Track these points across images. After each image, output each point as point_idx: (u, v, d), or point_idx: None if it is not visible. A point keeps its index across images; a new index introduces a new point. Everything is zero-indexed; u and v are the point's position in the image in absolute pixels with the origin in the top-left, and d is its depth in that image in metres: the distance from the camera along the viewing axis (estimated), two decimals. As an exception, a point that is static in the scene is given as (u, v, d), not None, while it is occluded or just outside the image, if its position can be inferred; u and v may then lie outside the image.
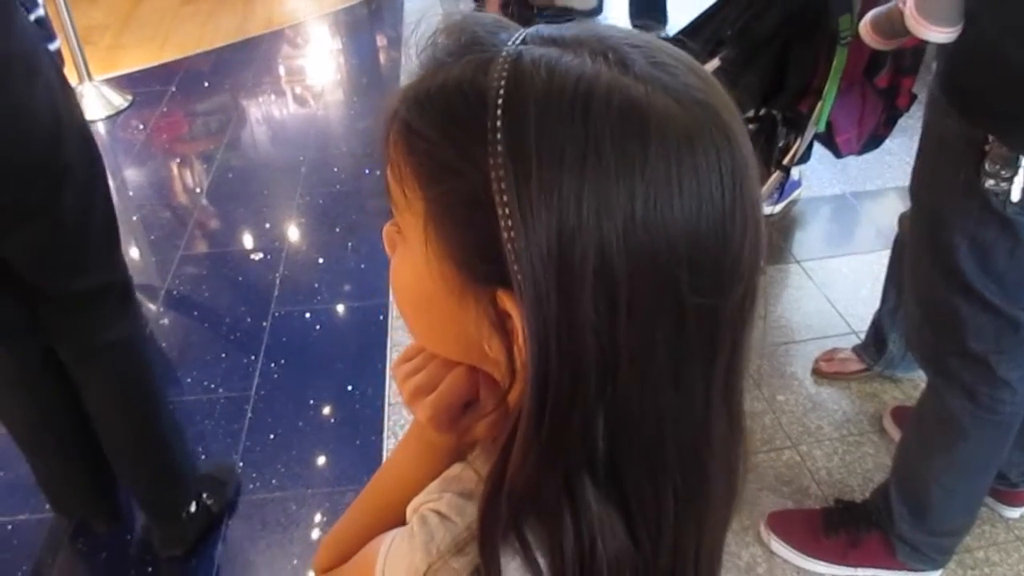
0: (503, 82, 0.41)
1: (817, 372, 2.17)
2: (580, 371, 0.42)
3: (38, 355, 1.58)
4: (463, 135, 0.42)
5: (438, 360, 0.53)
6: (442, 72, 0.45)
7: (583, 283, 0.41)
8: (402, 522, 0.53)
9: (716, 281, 0.43)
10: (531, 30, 0.46)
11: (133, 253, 2.84)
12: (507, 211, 0.41)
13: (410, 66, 0.49)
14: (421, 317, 0.52)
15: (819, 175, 2.88)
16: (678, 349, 0.44)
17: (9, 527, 1.91)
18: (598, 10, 4.17)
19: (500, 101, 0.41)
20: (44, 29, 1.93)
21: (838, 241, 2.77)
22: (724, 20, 2.15)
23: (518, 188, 0.40)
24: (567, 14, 3.91)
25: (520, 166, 0.40)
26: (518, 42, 0.44)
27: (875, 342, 2.09)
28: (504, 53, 0.43)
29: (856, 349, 2.15)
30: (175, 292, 2.65)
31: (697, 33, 2.23)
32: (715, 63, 2.06)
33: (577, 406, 0.43)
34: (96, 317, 1.56)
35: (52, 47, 1.95)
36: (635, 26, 3.87)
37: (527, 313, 0.42)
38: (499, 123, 0.41)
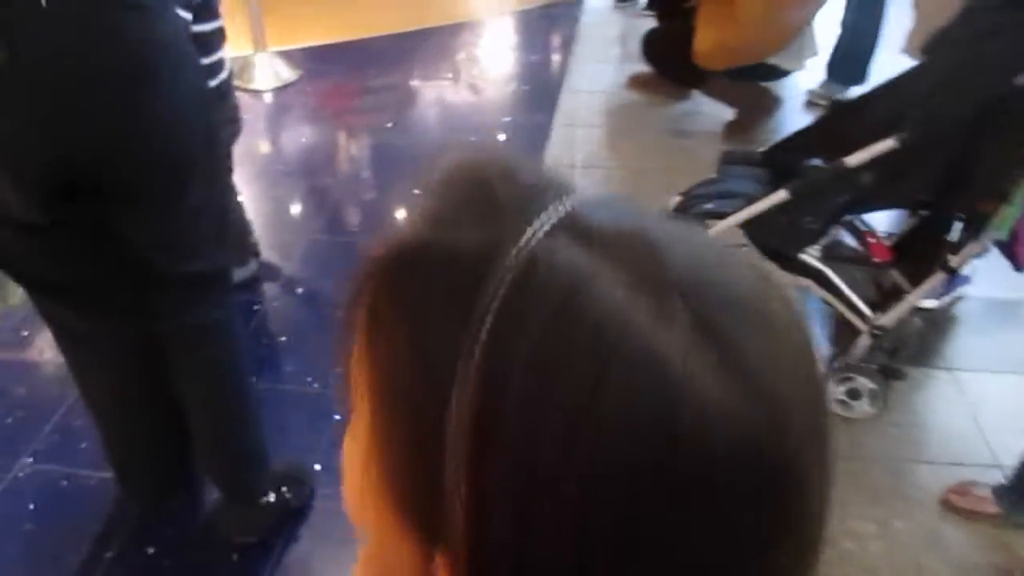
0: (502, 291, 0.31)
1: (946, 504, 1.92)
2: None
3: (134, 337, 1.62)
4: (432, 346, 0.32)
5: None
6: (437, 231, 0.34)
7: None
8: None
9: None
10: (571, 208, 0.33)
11: (267, 230, 2.90)
12: (463, 490, 0.30)
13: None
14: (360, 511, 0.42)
15: (992, 274, 2.54)
16: None
17: (92, 482, 1.98)
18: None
19: (491, 317, 0.30)
20: (209, 9, 1.96)
21: (1001, 355, 2.44)
22: (911, 94, 1.93)
23: (483, 444, 0.30)
24: (772, 71, 3.58)
25: (494, 408, 0.30)
26: (545, 228, 0.32)
27: (1020, 486, 1.83)
28: (519, 246, 0.32)
29: (997, 489, 1.88)
30: (296, 276, 2.68)
31: (875, 102, 2.03)
32: (890, 143, 1.84)
33: None
34: (198, 301, 1.59)
35: (213, 26, 1.99)
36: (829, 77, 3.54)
37: None
38: (479, 348, 0.30)
